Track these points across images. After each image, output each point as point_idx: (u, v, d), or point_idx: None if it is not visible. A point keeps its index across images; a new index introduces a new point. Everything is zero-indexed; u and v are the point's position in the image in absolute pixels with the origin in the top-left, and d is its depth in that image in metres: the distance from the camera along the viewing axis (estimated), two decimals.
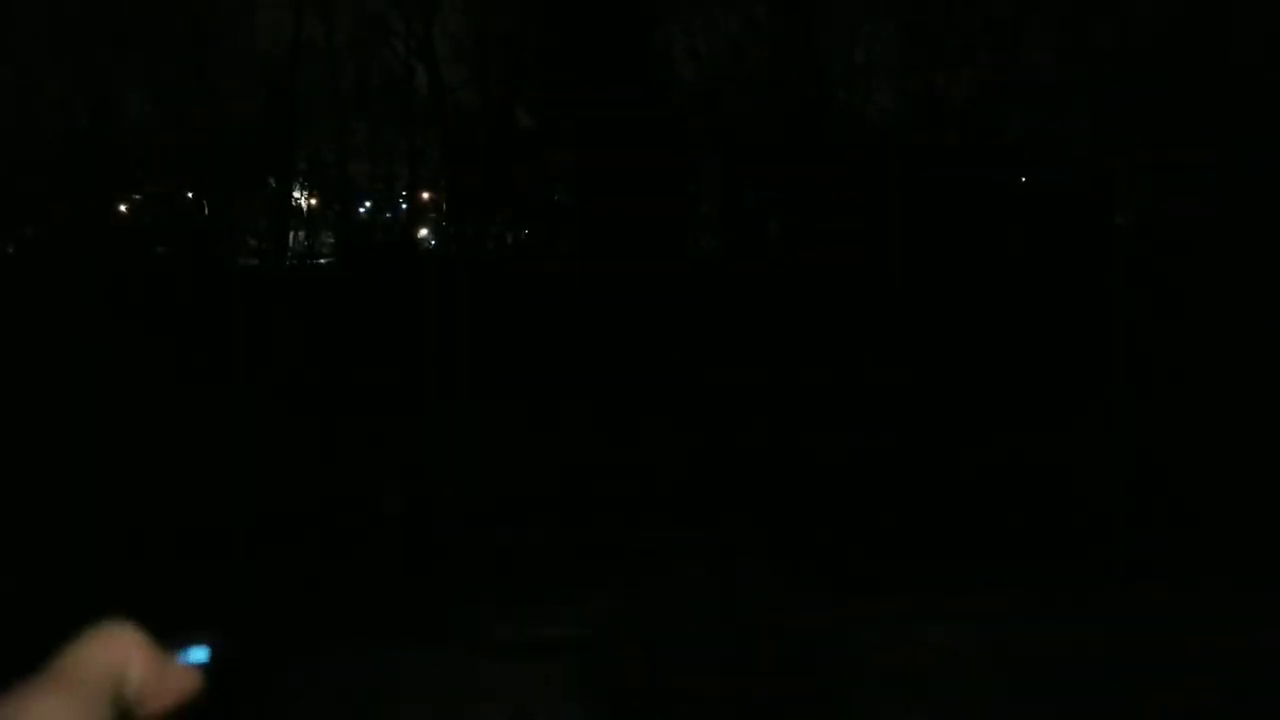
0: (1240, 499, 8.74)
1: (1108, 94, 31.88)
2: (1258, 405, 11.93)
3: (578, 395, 17.23)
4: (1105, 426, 13.79)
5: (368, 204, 41.86)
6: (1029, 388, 17.58)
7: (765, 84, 35.81)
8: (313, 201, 41.39)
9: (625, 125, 32.53)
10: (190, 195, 35.09)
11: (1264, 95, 24.61)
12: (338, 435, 14.42)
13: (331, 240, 42.88)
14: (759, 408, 16.11)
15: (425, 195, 41.09)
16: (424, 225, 44.02)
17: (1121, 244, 31.82)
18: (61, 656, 0.63)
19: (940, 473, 11.54)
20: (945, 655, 5.98)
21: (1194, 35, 28.55)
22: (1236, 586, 7.34)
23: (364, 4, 35.17)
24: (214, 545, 9.21)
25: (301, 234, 40.56)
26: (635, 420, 15.56)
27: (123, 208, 33.63)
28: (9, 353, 16.28)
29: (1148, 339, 19.30)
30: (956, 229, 31.45)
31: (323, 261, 40.86)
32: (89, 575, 7.76)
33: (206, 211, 34.66)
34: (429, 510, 9.53)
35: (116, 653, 0.65)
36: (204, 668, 0.71)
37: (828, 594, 4.62)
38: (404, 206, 40.55)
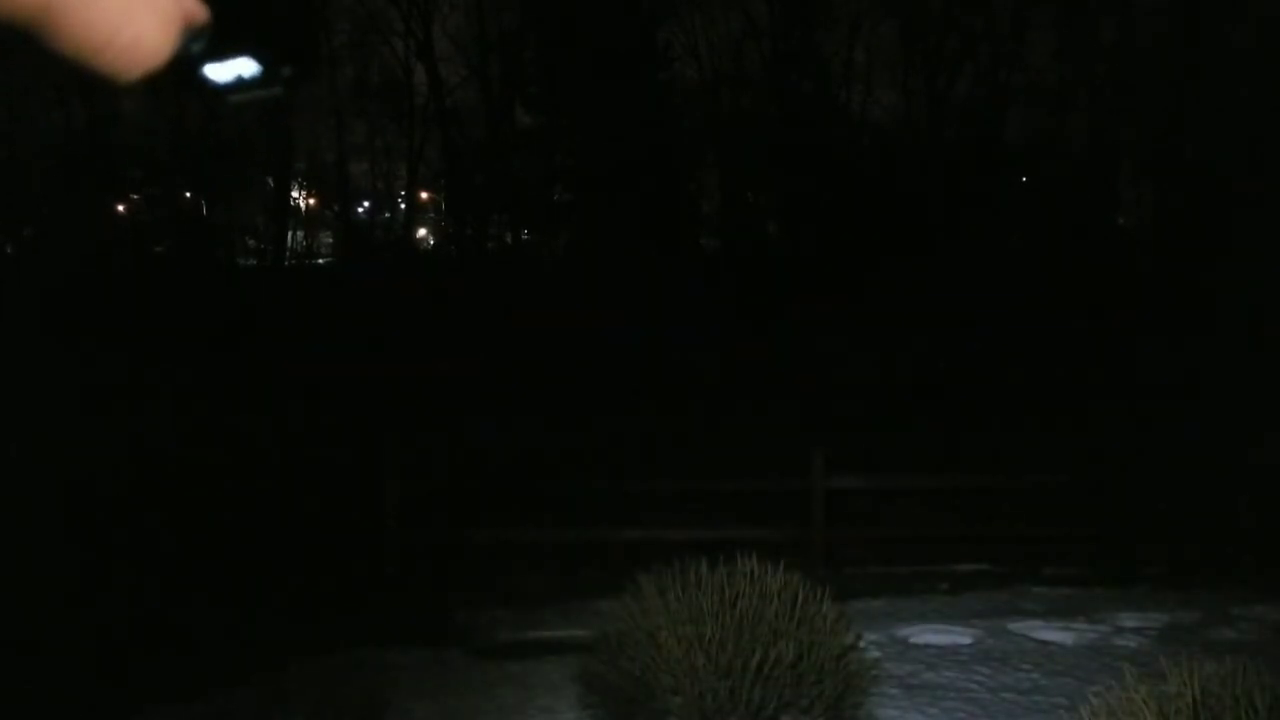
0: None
1: (1107, 94, 31.88)
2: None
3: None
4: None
5: (366, 204, 41.85)
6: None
7: (765, 84, 35.84)
8: (311, 201, 41.37)
9: (625, 125, 32.54)
10: (189, 195, 35.07)
11: (1265, 93, 24.59)
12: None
13: (330, 240, 42.86)
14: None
15: (425, 195, 41.08)
16: (423, 225, 44.02)
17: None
18: None
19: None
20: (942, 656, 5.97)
21: (1194, 34, 28.52)
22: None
23: (364, 4, 35.19)
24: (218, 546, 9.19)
25: (300, 234, 40.55)
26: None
27: (121, 208, 33.59)
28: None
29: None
30: (956, 228, 31.44)
31: (320, 262, 40.87)
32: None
33: (205, 211, 34.65)
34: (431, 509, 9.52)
35: None
36: None
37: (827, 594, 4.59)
38: (403, 206, 40.55)
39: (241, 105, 0.72)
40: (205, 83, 0.69)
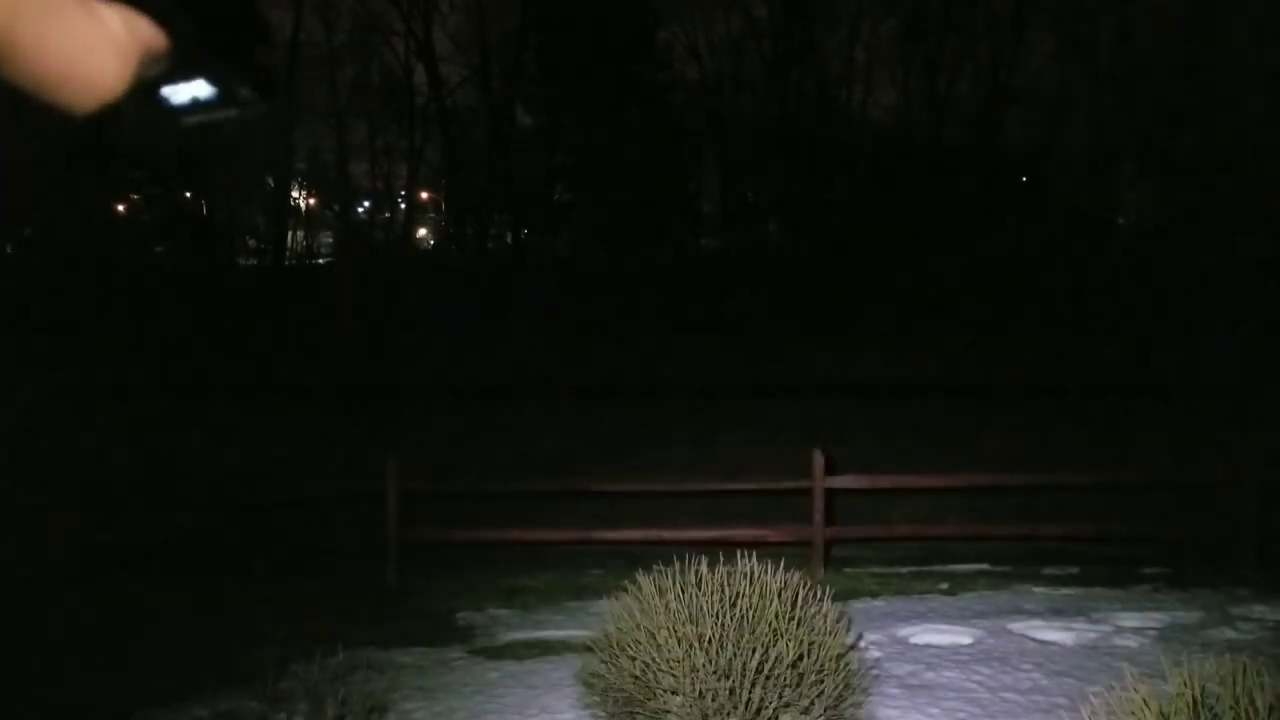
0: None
1: (1107, 94, 31.87)
2: None
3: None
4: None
5: (366, 204, 41.85)
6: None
7: (765, 84, 35.84)
8: (311, 201, 41.37)
9: (625, 125, 32.55)
10: (189, 195, 35.06)
11: (1264, 93, 24.59)
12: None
13: (330, 240, 42.86)
14: None
15: (425, 195, 41.08)
16: (424, 225, 44.00)
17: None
18: None
19: None
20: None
21: (1194, 34, 28.51)
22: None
23: (364, 4, 35.19)
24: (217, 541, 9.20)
25: (300, 234, 40.55)
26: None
27: (121, 208, 33.57)
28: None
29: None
30: (956, 228, 31.42)
31: (321, 262, 40.86)
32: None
33: (205, 211, 34.63)
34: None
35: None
36: None
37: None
38: (403, 206, 40.55)
39: (197, 126, 0.73)
40: (161, 104, 0.69)
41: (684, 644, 4.25)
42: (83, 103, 0.64)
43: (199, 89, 0.69)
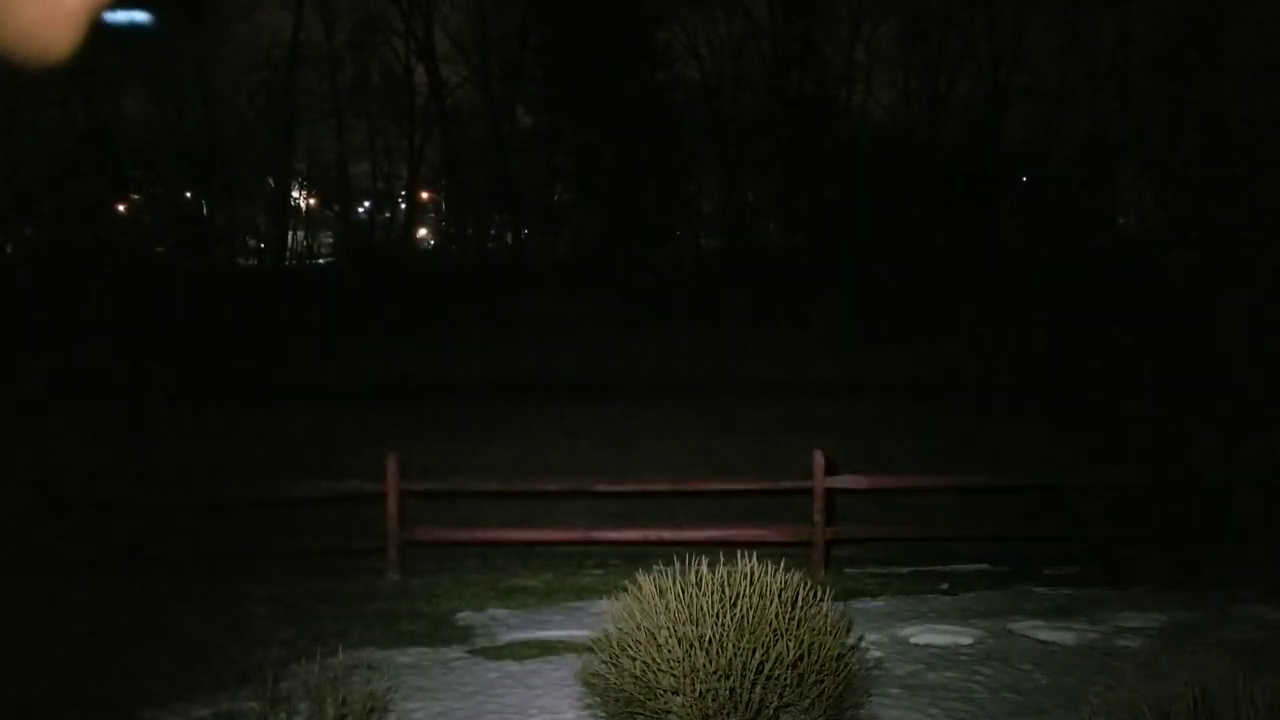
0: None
1: (1108, 94, 31.87)
2: None
3: None
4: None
5: (366, 204, 41.87)
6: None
7: (766, 84, 35.86)
8: (311, 201, 41.38)
9: (625, 125, 32.55)
10: (189, 195, 35.09)
11: (1264, 93, 24.57)
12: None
13: (330, 240, 42.89)
14: None
15: (425, 195, 41.09)
16: (423, 225, 44.00)
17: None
18: None
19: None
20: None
21: (1194, 34, 28.48)
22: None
23: (364, 4, 35.20)
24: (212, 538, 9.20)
25: (300, 234, 40.56)
26: None
27: (121, 208, 33.57)
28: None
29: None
30: (956, 228, 31.43)
31: (321, 262, 40.87)
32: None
33: (205, 211, 34.65)
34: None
35: None
36: None
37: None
38: (403, 206, 40.57)
39: (131, 41, 0.76)
40: (100, 23, 0.72)
41: (684, 644, 4.25)
42: (39, 63, 0.66)
43: (137, 16, 0.72)
